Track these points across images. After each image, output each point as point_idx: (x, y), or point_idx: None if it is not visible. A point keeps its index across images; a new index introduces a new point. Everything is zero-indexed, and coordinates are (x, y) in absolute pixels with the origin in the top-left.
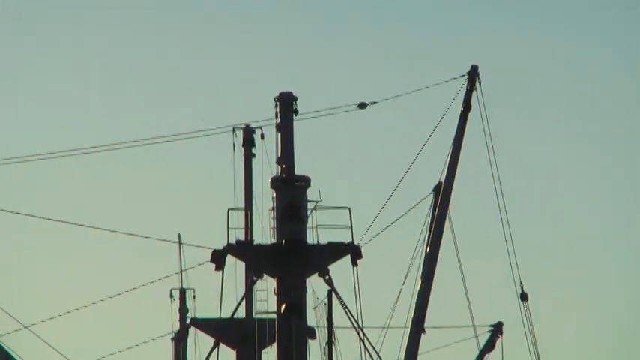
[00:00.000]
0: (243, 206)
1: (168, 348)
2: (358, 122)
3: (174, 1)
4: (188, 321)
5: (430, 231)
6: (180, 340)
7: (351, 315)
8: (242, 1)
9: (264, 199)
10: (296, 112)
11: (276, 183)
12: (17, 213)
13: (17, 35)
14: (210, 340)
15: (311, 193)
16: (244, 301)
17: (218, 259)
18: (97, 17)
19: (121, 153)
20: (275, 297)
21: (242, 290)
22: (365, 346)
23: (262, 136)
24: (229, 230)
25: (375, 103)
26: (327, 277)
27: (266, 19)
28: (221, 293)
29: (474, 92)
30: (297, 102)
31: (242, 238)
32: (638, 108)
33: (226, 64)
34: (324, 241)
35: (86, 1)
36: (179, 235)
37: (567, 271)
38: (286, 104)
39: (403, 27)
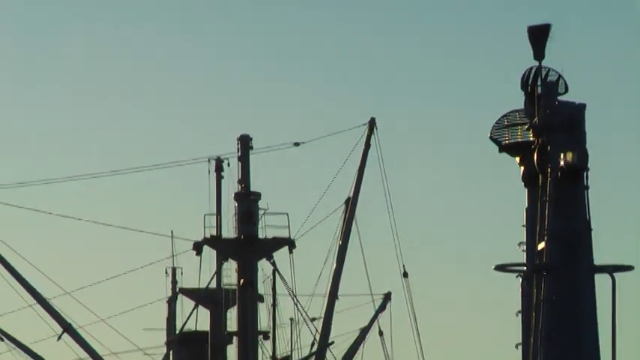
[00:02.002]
0: (215, 212)
1: (163, 308)
2: (295, 154)
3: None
4: (178, 290)
5: (343, 229)
6: (171, 302)
7: (288, 286)
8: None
9: (230, 207)
10: (251, 147)
11: (237, 197)
12: (49, 213)
13: None
14: (192, 303)
15: (261, 204)
16: (216, 276)
17: (198, 248)
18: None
19: (128, 176)
20: (236, 274)
21: (214, 269)
22: (297, 308)
23: (228, 164)
24: (205, 228)
25: (304, 143)
26: (272, 261)
27: (234, 79)
28: (199, 271)
29: (372, 136)
30: (252, 140)
31: (214, 233)
32: None
33: (204, 111)
34: (270, 236)
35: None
36: (172, 232)
37: (439, 255)
38: (245, 143)
39: (330, 87)
